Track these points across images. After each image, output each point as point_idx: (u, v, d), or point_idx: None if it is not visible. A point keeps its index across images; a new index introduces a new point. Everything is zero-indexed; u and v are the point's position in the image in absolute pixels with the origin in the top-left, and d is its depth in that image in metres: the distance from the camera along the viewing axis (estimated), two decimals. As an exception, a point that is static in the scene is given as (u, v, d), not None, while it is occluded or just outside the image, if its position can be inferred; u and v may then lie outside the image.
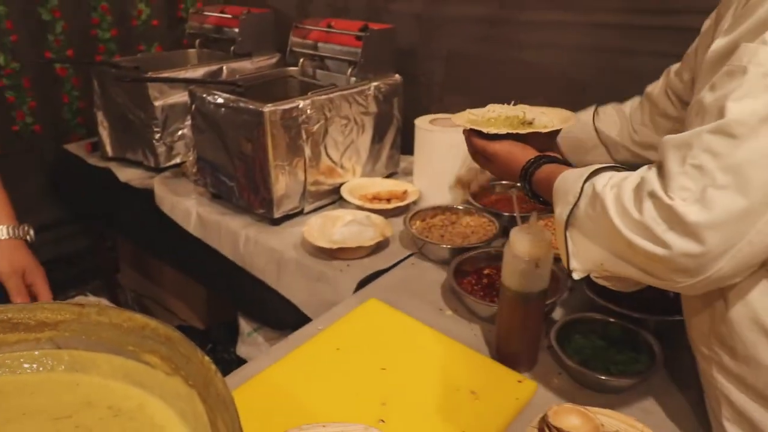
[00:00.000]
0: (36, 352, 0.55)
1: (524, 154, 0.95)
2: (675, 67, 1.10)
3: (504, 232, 1.31)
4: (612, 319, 1.03)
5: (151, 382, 0.52)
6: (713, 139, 0.60)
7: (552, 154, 0.95)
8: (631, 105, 1.21)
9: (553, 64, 1.63)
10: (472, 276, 1.22)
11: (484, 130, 1.02)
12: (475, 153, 1.07)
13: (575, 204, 0.75)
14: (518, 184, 0.98)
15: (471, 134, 1.05)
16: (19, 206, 1.18)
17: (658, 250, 0.63)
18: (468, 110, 1.19)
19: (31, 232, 1.15)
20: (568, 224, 0.77)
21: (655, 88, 1.14)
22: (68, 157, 2.11)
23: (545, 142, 1.00)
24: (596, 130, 1.23)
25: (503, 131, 1.00)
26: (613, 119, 1.22)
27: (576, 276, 0.80)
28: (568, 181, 0.79)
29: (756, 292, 0.69)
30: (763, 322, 0.69)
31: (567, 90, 1.59)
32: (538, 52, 1.66)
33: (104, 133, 1.93)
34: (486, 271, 1.23)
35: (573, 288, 1.17)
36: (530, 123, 1.08)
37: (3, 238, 1.11)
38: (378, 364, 0.97)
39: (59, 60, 2.08)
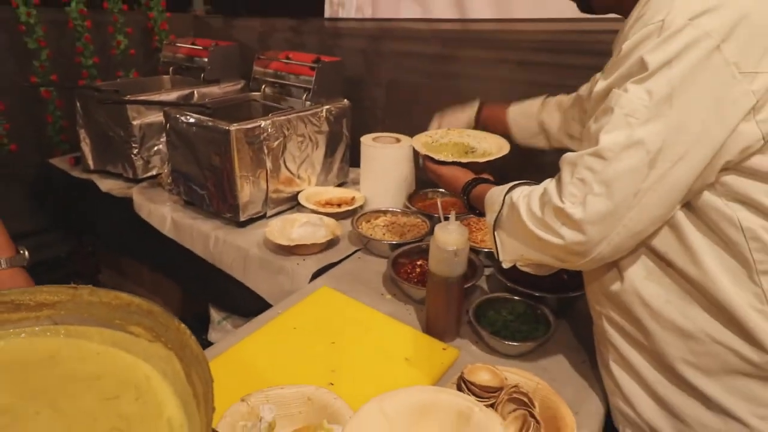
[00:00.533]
0: (36, 328, 0.56)
1: (465, 176, 1.05)
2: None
3: (433, 231, 1.37)
4: (517, 298, 1.11)
5: (136, 348, 0.55)
6: (591, 160, 0.70)
7: (485, 176, 1.05)
8: (571, 100, 1.25)
9: (484, 94, 1.61)
10: (407, 266, 1.27)
11: (435, 157, 1.11)
12: (426, 171, 1.14)
13: (499, 211, 0.86)
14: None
15: (425, 158, 1.13)
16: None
17: (557, 241, 0.74)
18: (425, 133, 1.29)
19: (26, 254, 1.09)
20: (495, 227, 0.87)
21: (584, 90, 1.19)
22: (51, 170, 2.06)
23: (482, 167, 1.10)
24: (540, 121, 1.30)
25: (450, 159, 1.10)
26: (555, 114, 1.27)
27: (505, 265, 0.89)
28: (494, 195, 0.89)
29: (634, 266, 0.79)
30: (636, 287, 0.79)
31: None
32: (471, 83, 1.68)
33: (86, 149, 1.89)
34: (419, 262, 1.29)
35: (489, 276, 1.26)
36: (473, 151, 1.19)
37: (1, 269, 1.06)
38: (328, 339, 1.01)
39: (46, 84, 2.02)
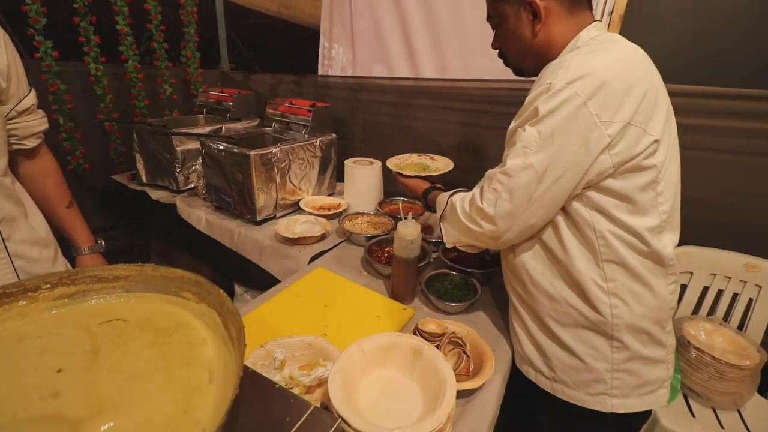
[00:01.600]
0: (114, 294, 0.58)
1: (423, 185, 1.15)
2: None
3: (396, 226, 1.40)
4: (454, 273, 1.15)
5: (186, 308, 0.56)
6: (500, 176, 0.76)
7: (437, 185, 1.14)
8: None
9: (434, 132, 1.71)
10: (378, 252, 1.29)
11: (403, 173, 1.21)
12: (398, 182, 1.22)
13: (444, 209, 0.92)
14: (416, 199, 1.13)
15: (396, 174, 1.23)
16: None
17: (478, 229, 0.81)
18: (395, 156, 1.39)
19: (102, 243, 1.10)
20: (441, 219, 0.92)
21: None
22: (114, 184, 2.01)
23: (435, 179, 1.20)
24: None
25: (413, 174, 1.21)
26: None
27: (449, 245, 0.93)
28: (442, 199, 0.94)
29: (525, 248, 0.85)
30: (525, 263, 0.84)
31: (442, 150, 1.66)
32: (424, 124, 1.73)
33: (140, 168, 1.86)
34: (387, 249, 1.31)
35: (435, 258, 1.29)
36: (428, 168, 1.31)
37: (86, 254, 1.06)
38: (322, 303, 1.02)
39: (111, 120, 1.97)
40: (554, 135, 0.70)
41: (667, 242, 0.77)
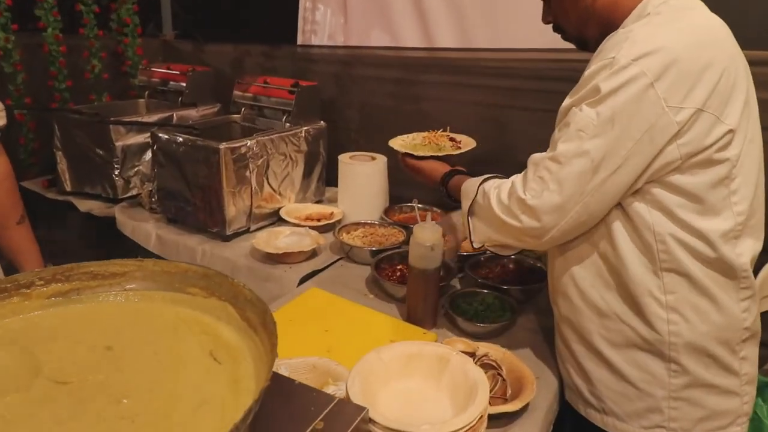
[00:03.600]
0: (112, 292, 0.77)
1: (443, 168, 1.28)
2: None
3: (409, 240, 1.59)
4: (486, 291, 1.35)
5: (193, 304, 0.76)
6: (549, 162, 0.91)
7: (459, 168, 1.27)
8: None
9: (443, 113, 1.85)
10: (388, 270, 1.48)
11: (415, 153, 1.35)
12: (406, 167, 1.37)
13: (474, 199, 1.06)
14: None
15: (404, 156, 1.37)
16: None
17: (517, 224, 0.95)
18: (399, 137, 1.53)
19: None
20: (469, 213, 1.08)
21: None
22: (23, 192, 2.19)
23: (455, 160, 1.34)
24: None
25: (428, 154, 1.35)
26: None
27: (476, 245, 1.10)
28: (469, 186, 1.09)
29: (575, 255, 1.01)
30: (572, 271, 1.02)
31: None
32: (432, 104, 1.95)
33: (63, 170, 2.06)
34: (399, 266, 1.50)
35: (462, 277, 1.49)
36: (443, 147, 1.44)
37: None
38: (322, 328, 1.21)
39: (26, 107, 2.15)
40: (615, 119, 0.84)
41: (744, 250, 0.92)
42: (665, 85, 0.82)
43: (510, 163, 1.49)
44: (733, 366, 0.95)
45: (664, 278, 0.92)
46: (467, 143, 1.46)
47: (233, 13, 2.67)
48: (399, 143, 1.47)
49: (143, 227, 1.84)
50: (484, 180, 1.08)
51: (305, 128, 1.91)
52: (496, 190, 1.00)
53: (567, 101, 0.94)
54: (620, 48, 0.85)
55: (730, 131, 0.86)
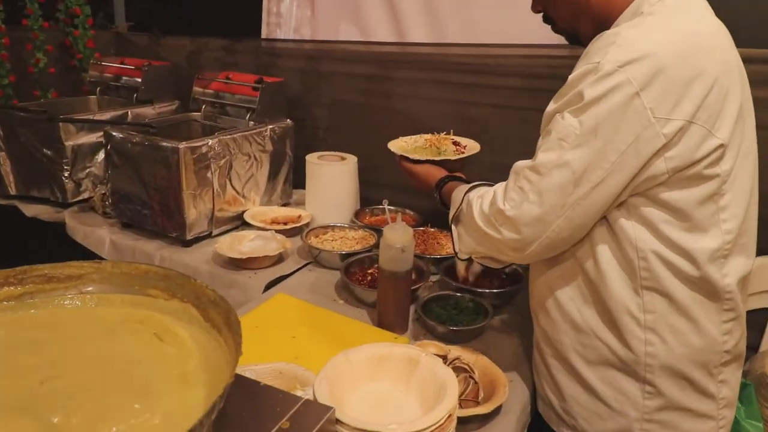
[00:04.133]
0: (68, 296, 0.80)
1: (438, 173, 1.29)
2: None
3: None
4: (460, 294, 1.40)
5: (154, 306, 0.79)
6: (529, 172, 0.92)
7: (456, 174, 1.29)
8: None
9: (417, 111, 1.97)
10: (358, 275, 1.53)
11: (411, 157, 1.35)
12: (403, 171, 1.37)
13: (459, 208, 1.09)
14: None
15: (401, 159, 1.38)
16: None
17: (497, 236, 0.97)
18: (401, 138, 1.52)
19: None
20: (454, 221, 1.11)
21: None
22: (-38, 197, 2.18)
23: (453, 165, 1.34)
24: None
25: (424, 158, 1.34)
26: None
27: (461, 257, 1.13)
28: (457, 194, 1.11)
29: (555, 266, 1.03)
30: (551, 282, 1.05)
31: (424, 131, 1.81)
32: (405, 102, 2.00)
33: (6, 172, 2.05)
34: (369, 271, 1.54)
35: (436, 281, 1.54)
36: (444, 151, 1.43)
37: None
38: (289, 334, 1.24)
39: None
40: (598, 129, 0.85)
41: (731, 270, 0.92)
42: (652, 95, 0.83)
43: (485, 163, 1.56)
44: (710, 390, 0.97)
45: (644, 296, 0.93)
46: (472, 148, 1.46)
47: (192, 3, 2.69)
48: (399, 145, 1.47)
49: (96, 232, 1.85)
50: (471, 188, 1.10)
51: (270, 127, 1.94)
52: (479, 199, 1.02)
53: (551, 106, 0.95)
54: (606, 52, 0.85)
55: (722, 146, 0.86)
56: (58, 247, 1.93)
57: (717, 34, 0.92)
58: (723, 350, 0.96)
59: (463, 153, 1.43)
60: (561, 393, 1.07)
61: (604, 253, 0.95)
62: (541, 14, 1.09)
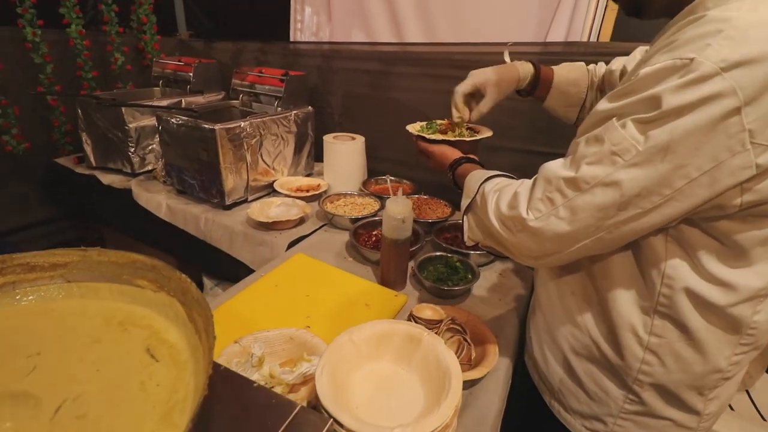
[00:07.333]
0: (52, 285, 0.51)
1: (453, 154, 0.90)
2: (610, 69, 0.90)
3: (384, 207, 1.35)
4: (450, 255, 1.12)
5: (141, 298, 0.51)
6: (565, 187, 0.55)
7: (471, 156, 0.89)
8: (600, 79, 0.94)
9: (412, 101, 1.67)
10: (365, 236, 1.25)
11: (427, 136, 0.99)
12: (419, 152, 0.97)
13: (473, 198, 0.71)
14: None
15: (418, 139, 0.99)
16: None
17: (511, 239, 0.61)
18: (418, 123, 1.13)
19: None
20: (467, 210, 0.73)
21: (616, 65, 0.89)
22: (58, 168, 1.88)
23: (468, 147, 0.94)
24: (584, 97, 0.95)
25: (439, 137, 0.98)
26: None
27: (468, 243, 0.74)
28: (471, 182, 0.73)
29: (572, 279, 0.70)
30: (557, 269, 0.73)
31: (419, 118, 1.64)
32: (404, 93, 1.69)
33: (88, 149, 1.74)
34: (374, 233, 1.27)
35: (429, 241, 1.25)
36: (460, 134, 1.05)
37: None
38: (303, 293, 0.98)
39: (51, 92, 1.83)
40: (670, 148, 0.47)
41: (766, 306, 0.57)
42: (758, 113, 0.43)
43: (479, 152, 1.26)
44: (697, 407, 0.65)
45: (655, 320, 0.60)
46: (485, 132, 1.08)
47: (235, 16, 2.33)
48: (416, 128, 1.08)
49: (155, 198, 1.55)
50: (489, 178, 0.71)
51: (294, 112, 1.61)
52: (496, 194, 0.65)
53: (606, 104, 0.53)
54: (706, 44, 0.44)
55: None
56: (128, 209, 1.63)
57: None
58: (723, 377, 0.62)
59: (476, 136, 1.07)
60: (546, 362, 0.77)
61: (619, 264, 0.61)
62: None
